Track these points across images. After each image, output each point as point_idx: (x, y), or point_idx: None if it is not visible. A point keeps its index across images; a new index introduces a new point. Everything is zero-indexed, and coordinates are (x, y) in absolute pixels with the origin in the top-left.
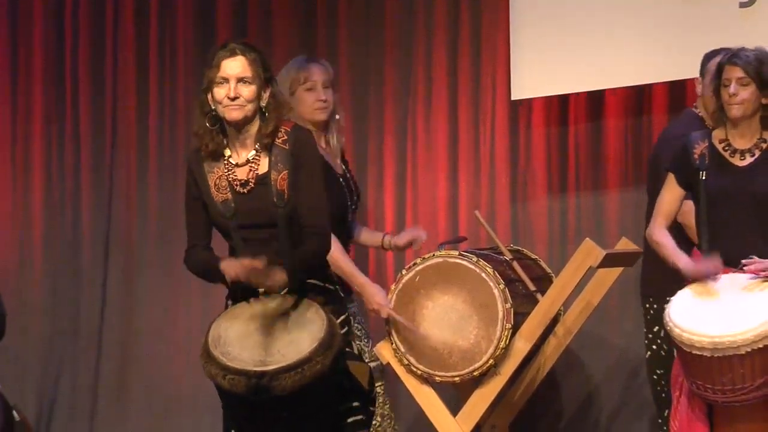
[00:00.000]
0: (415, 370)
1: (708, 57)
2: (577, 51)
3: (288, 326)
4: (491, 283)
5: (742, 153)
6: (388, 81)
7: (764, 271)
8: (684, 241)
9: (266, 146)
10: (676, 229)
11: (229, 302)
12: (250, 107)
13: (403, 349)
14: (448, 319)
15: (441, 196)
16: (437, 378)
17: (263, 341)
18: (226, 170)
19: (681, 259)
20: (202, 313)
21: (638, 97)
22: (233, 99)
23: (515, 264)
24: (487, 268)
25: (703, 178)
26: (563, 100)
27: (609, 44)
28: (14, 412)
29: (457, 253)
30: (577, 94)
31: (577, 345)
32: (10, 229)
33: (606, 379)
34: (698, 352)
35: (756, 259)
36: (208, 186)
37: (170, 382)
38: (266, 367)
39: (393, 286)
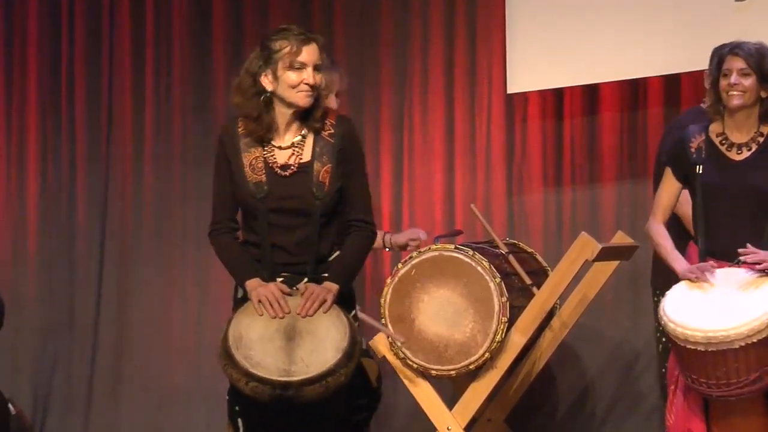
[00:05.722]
0: (411, 363)
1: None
2: (572, 45)
3: (310, 330)
4: (487, 277)
5: (739, 147)
6: (385, 75)
7: (759, 264)
8: (682, 233)
9: (315, 130)
10: (673, 219)
11: (240, 289)
12: (316, 93)
13: (398, 343)
14: (444, 313)
15: (437, 190)
16: (433, 372)
17: (286, 346)
18: (265, 151)
19: (677, 261)
20: (197, 306)
21: (633, 90)
22: (312, 86)
23: (511, 257)
24: (483, 262)
25: (700, 171)
26: (559, 93)
27: (604, 38)
28: (10, 405)
29: (453, 246)
30: (573, 87)
31: (572, 338)
32: (4, 221)
33: (601, 372)
34: (692, 347)
35: (751, 248)
36: (242, 165)
37: (165, 375)
38: (291, 378)
39: (389, 280)
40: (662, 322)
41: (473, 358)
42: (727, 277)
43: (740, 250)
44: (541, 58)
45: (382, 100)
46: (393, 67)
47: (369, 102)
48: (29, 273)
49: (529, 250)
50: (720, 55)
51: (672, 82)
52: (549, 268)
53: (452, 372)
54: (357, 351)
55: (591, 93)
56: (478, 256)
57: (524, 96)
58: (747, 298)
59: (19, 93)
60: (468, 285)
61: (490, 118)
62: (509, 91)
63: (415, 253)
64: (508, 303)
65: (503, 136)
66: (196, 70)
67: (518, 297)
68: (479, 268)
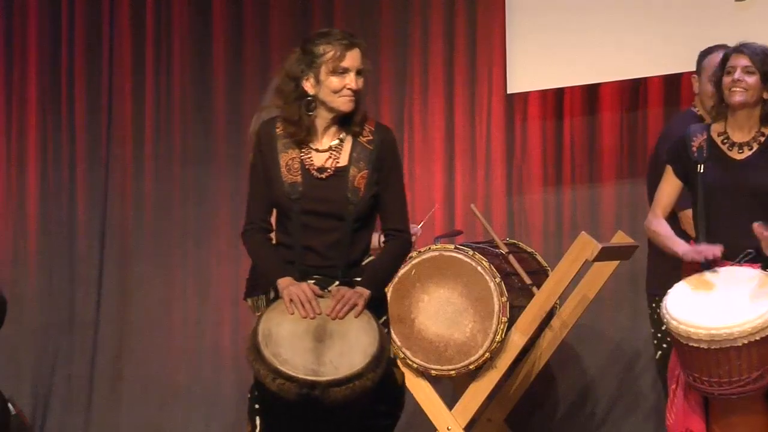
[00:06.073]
0: (411, 363)
1: (704, 54)
2: (572, 45)
3: (340, 333)
4: (487, 277)
5: (741, 146)
6: (385, 75)
7: None
8: (682, 235)
9: (354, 135)
10: (673, 220)
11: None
12: (357, 98)
13: (398, 343)
14: (444, 313)
15: (437, 190)
16: (433, 371)
17: (315, 347)
18: (302, 153)
19: (679, 246)
20: (197, 306)
21: (633, 90)
22: (355, 91)
23: (511, 257)
24: (483, 262)
25: (701, 170)
26: (559, 93)
27: (604, 38)
28: (10, 405)
29: (453, 246)
30: (573, 87)
31: (572, 338)
32: (4, 220)
33: (601, 372)
34: (695, 344)
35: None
36: (279, 165)
37: (165, 373)
38: (318, 378)
39: None
40: (664, 320)
41: (473, 358)
42: (729, 276)
43: (755, 225)
44: (541, 58)
45: (382, 100)
46: (393, 68)
47: (369, 102)
48: (29, 273)
49: (529, 249)
50: (725, 54)
51: (672, 82)
52: (549, 268)
53: (452, 372)
54: (385, 357)
55: (591, 93)
56: (478, 255)
57: (524, 96)
58: (750, 296)
59: (19, 93)
60: (468, 285)
61: (490, 118)
62: (509, 91)
63: (415, 253)
64: (508, 303)
65: (503, 136)
66: (196, 70)
67: (518, 297)
68: (479, 268)
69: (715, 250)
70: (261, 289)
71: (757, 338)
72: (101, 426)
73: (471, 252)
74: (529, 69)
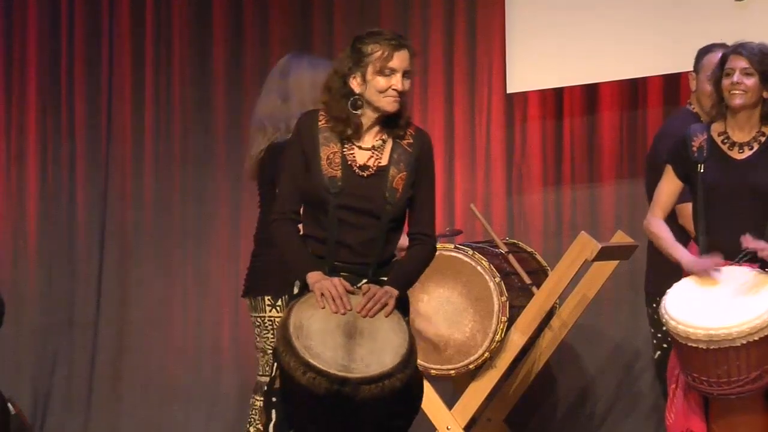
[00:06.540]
0: None
1: (702, 52)
2: (572, 45)
3: (370, 331)
4: (487, 276)
5: (741, 146)
6: None
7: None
8: (682, 235)
9: (396, 137)
10: (672, 220)
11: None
12: (402, 100)
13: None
14: (444, 312)
15: (437, 189)
16: (433, 371)
17: (345, 343)
18: (344, 148)
19: (680, 253)
20: (197, 306)
21: (633, 90)
22: (400, 92)
23: (511, 257)
24: (483, 261)
25: (701, 170)
26: (558, 93)
27: (604, 38)
28: (9, 405)
29: (452, 246)
30: (573, 87)
31: (572, 338)
32: (4, 220)
33: (601, 371)
34: (694, 344)
35: (750, 240)
36: (319, 158)
37: (165, 374)
38: (349, 374)
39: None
40: (663, 320)
41: (473, 358)
42: (728, 276)
43: (747, 244)
44: (540, 58)
45: None
46: None
47: None
48: (29, 272)
49: (529, 249)
50: (723, 55)
51: (672, 82)
52: (549, 268)
53: (452, 371)
54: (414, 359)
55: (591, 93)
56: (477, 255)
57: (524, 96)
58: (749, 296)
59: (19, 93)
60: (468, 284)
61: (490, 118)
62: (509, 91)
63: None
64: (507, 302)
65: (503, 135)
66: (196, 70)
67: (518, 296)
68: (479, 268)
69: (717, 261)
70: (261, 291)
71: (756, 338)
72: (101, 426)
73: (471, 251)
74: (528, 69)
